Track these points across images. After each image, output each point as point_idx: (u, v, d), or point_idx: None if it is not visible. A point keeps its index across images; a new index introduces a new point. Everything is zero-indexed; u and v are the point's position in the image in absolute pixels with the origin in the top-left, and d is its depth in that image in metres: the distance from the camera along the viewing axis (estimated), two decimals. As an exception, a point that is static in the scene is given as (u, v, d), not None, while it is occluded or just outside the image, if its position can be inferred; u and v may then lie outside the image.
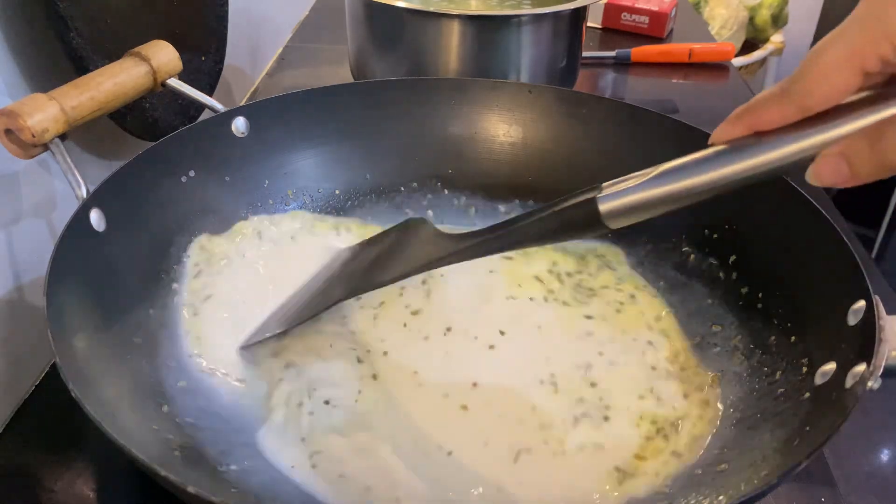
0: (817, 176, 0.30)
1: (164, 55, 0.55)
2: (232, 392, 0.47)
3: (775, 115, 0.31)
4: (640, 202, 0.35)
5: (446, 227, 0.60)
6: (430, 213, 0.62)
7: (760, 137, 0.32)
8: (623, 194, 0.35)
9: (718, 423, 0.45)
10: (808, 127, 0.30)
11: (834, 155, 0.30)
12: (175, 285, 0.51)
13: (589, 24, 1.04)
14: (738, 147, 0.32)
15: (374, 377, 0.48)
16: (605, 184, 0.36)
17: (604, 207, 0.35)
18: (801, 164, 0.31)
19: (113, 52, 0.54)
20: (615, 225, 0.36)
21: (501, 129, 0.63)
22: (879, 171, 0.29)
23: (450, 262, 0.44)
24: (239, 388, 0.48)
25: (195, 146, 0.54)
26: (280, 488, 0.42)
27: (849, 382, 0.37)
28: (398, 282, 0.48)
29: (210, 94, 0.68)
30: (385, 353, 0.49)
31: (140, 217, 0.49)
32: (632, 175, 0.35)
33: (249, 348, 0.49)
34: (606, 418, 0.46)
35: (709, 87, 0.96)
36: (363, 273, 0.48)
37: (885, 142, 0.29)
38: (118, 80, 0.51)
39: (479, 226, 0.61)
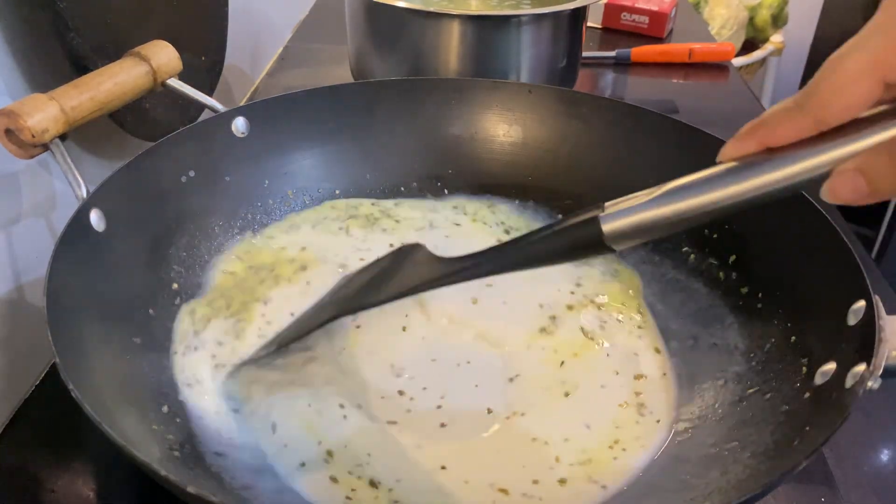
0: (833, 193, 0.29)
1: (164, 55, 0.55)
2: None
3: (789, 129, 0.29)
4: (646, 222, 0.33)
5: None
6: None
7: (773, 154, 0.30)
8: (627, 213, 0.33)
9: (717, 423, 0.45)
10: (824, 142, 0.29)
11: (850, 171, 0.28)
12: (175, 285, 0.51)
13: (589, 24, 1.04)
14: (749, 164, 0.31)
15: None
16: (607, 203, 0.34)
17: (607, 228, 0.34)
18: (815, 181, 0.29)
19: (113, 52, 0.54)
20: (619, 246, 0.34)
21: (501, 129, 0.63)
22: None
23: (444, 285, 0.43)
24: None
25: (195, 146, 0.54)
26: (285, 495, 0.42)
27: (849, 382, 0.37)
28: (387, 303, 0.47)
29: (210, 94, 0.68)
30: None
31: (140, 217, 0.49)
32: (635, 194, 0.34)
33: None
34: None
35: (709, 87, 0.96)
36: (354, 295, 0.48)
37: None
38: (118, 80, 0.52)
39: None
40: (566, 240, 0.36)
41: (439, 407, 0.46)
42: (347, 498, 0.41)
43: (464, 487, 0.42)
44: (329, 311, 0.47)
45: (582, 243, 0.35)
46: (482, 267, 0.41)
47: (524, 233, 0.40)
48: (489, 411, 0.46)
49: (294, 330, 0.49)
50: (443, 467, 0.43)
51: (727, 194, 0.31)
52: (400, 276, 0.45)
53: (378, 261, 0.48)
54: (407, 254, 0.46)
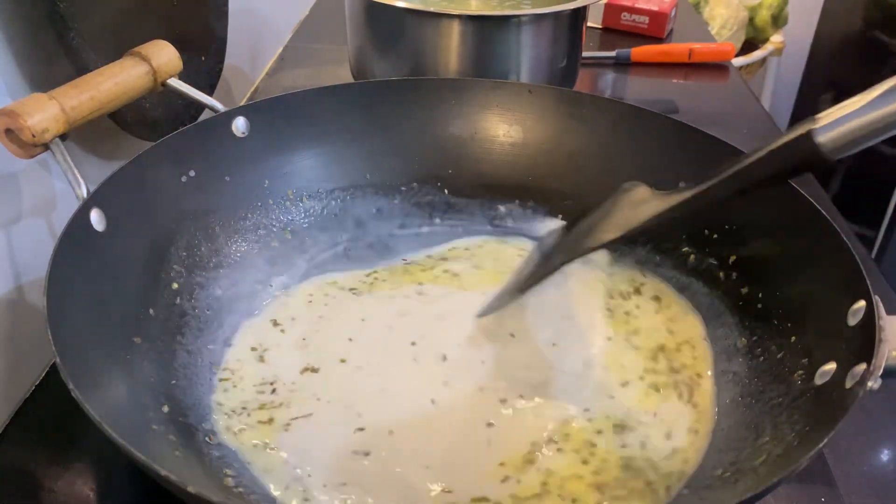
0: None
1: (164, 55, 0.55)
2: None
3: None
4: (866, 127, 0.33)
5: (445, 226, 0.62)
6: (428, 212, 0.62)
7: None
8: (845, 121, 0.33)
9: (716, 424, 0.45)
10: None
11: None
12: (175, 285, 0.51)
13: (589, 24, 1.04)
14: None
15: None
16: (819, 115, 0.34)
17: (824, 139, 0.34)
18: None
19: (113, 52, 0.54)
20: (837, 155, 0.34)
21: (501, 129, 0.63)
22: None
23: (663, 220, 0.43)
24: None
25: (195, 146, 0.54)
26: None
27: (849, 382, 0.37)
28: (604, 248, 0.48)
29: (210, 94, 0.68)
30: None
31: (140, 217, 0.49)
32: (846, 102, 0.33)
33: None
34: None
35: (709, 88, 0.96)
36: (578, 239, 0.48)
37: None
38: (118, 80, 0.51)
39: (477, 226, 0.62)
40: (780, 159, 0.36)
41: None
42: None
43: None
44: (559, 259, 0.48)
45: (797, 160, 0.35)
46: (700, 198, 0.41)
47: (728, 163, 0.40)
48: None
49: (528, 280, 0.50)
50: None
51: None
52: (619, 215, 0.45)
53: (602, 204, 0.48)
54: (625, 192, 0.46)
